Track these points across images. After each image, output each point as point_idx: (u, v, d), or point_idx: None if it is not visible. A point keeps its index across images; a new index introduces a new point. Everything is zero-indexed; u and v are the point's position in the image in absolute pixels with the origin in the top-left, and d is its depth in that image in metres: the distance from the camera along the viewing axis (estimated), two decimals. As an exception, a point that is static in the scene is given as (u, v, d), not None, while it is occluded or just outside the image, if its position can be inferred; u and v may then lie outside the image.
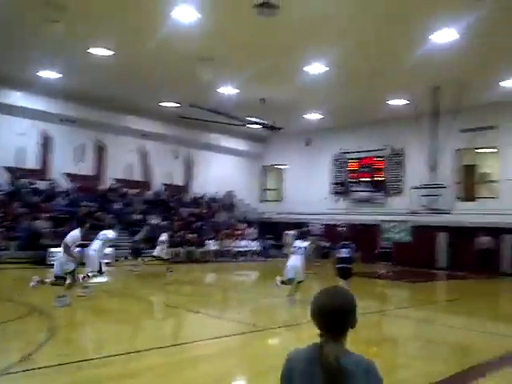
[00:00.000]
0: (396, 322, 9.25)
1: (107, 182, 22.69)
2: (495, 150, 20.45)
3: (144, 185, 24.14)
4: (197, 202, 25.81)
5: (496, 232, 18.54)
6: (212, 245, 21.36)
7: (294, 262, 10.27)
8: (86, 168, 22.09)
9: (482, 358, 6.53)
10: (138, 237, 16.69)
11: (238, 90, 18.83)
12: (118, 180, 23.09)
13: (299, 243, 10.61)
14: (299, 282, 10.25)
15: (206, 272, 17.76)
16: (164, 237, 15.31)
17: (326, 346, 1.78)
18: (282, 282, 10.34)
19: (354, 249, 10.79)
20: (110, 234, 10.80)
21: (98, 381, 4.88)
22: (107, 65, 16.06)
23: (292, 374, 1.84)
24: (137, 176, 23.99)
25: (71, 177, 21.41)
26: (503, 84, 16.84)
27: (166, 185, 25.11)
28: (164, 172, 25.00)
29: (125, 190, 23.04)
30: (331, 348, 1.76)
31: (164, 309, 9.36)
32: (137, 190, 23.53)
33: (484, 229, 18.44)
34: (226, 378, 5.29)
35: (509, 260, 18.59)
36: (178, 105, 21.01)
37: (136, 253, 16.27)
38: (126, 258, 17.51)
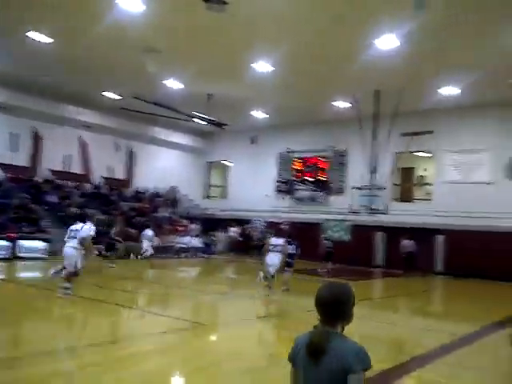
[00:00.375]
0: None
1: (43, 174, 21.66)
2: (431, 155, 21.48)
3: (83, 177, 23.25)
4: (138, 196, 25.22)
5: (430, 233, 19.46)
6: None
7: (273, 259, 10.71)
8: (20, 158, 20.95)
9: (415, 352, 6.78)
10: (113, 231, 16.15)
11: (184, 85, 18.57)
12: (55, 172, 22.10)
13: (275, 241, 10.96)
14: (272, 277, 10.84)
15: (146, 268, 17.35)
16: (151, 233, 14.97)
17: (319, 328, 2.05)
18: (265, 278, 10.83)
19: (298, 246, 12.23)
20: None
21: (18, 381, 4.56)
22: (46, 52, 15.35)
23: (295, 356, 2.10)
24: (76, 168, 23.06)
25: (4, 166, 20.22)
26: (440, 91, 17.66)
27: (106, 178, 24.33)
28: (105, 165, 24.22)
29: (62, 182, 22.10)
30: (322, 330, 2.04)
31: (102, 306, 9.01)
32: (75, 183, 22.63)
33: (418, 229, 19.29)
34: (165, 375, 5.15)
35: (441, 259, 19.56)
36: (121, 96, 20.44)
37: (111, 247, 15.73)
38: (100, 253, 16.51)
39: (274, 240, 11.04)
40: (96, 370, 5.04)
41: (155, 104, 19.21)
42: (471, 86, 16.73)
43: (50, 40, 14.47)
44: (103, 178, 24.14)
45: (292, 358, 2.11)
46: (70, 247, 9.08)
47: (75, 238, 9.09)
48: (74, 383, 4.62)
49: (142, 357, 5.75)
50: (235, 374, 5.21)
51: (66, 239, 9.25)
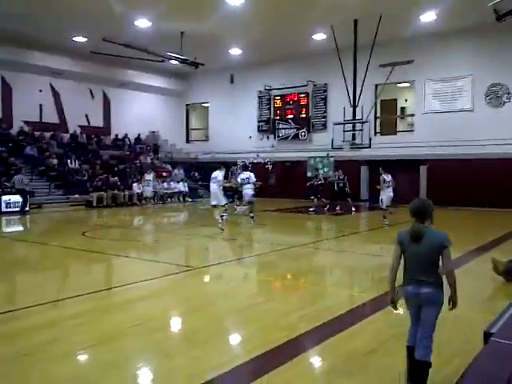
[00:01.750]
0: (321, 254, 9.62)
1: (16, 125, 20.96)
2: (411, 85, 21.21)
3: (58, 127, 22.60)
4: (118, 144, 24.73)
5: (414, 164, 19.60)
6: (137, 188, 20.77)
7: (388, 193, 13.07)
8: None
9: (400, 280, 6.94)
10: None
11: (154, 23, 17.71)
12: (29, 123, 21.41)
13: (387, 177, 13.10)
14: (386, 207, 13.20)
15: (133, 216, 17.34)
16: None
17: (415, 224, 3.25)
18: (384, 217, 13.11)
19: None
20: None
21: (6, 335, 4.56)
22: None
23: (402, 241, 3.30)
24: (49, 118, 22.33)
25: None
26: (420, 17, 17.14)
27: (83, 126, 23.69)
28: (80, 113, 23.52)
29: (38, 133, 21.47)
30: (418, 223, 3.24)
31: (91, 255, 9.01)
32: (51, 133, 22.02)
33: (402, 161, 19.40)
34: (160, 317, 5.19)
35: (425, 189, 19.84)
36: (87, 38, 19.50)
37: None
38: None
39: (385, 177, 13.08)
40: (93, 317, 5.09)
41: (126, 46, 18.42)
42: (450, 11, 16.27)
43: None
44: (80, 126, 23.51)
45: (400, 243, 3.32)
46: (215, 188, 12.52)
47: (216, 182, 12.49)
48: (68, 330, 4.65)
49: (137, 301, 5.78)
50: (231, 312, 5.32)
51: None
